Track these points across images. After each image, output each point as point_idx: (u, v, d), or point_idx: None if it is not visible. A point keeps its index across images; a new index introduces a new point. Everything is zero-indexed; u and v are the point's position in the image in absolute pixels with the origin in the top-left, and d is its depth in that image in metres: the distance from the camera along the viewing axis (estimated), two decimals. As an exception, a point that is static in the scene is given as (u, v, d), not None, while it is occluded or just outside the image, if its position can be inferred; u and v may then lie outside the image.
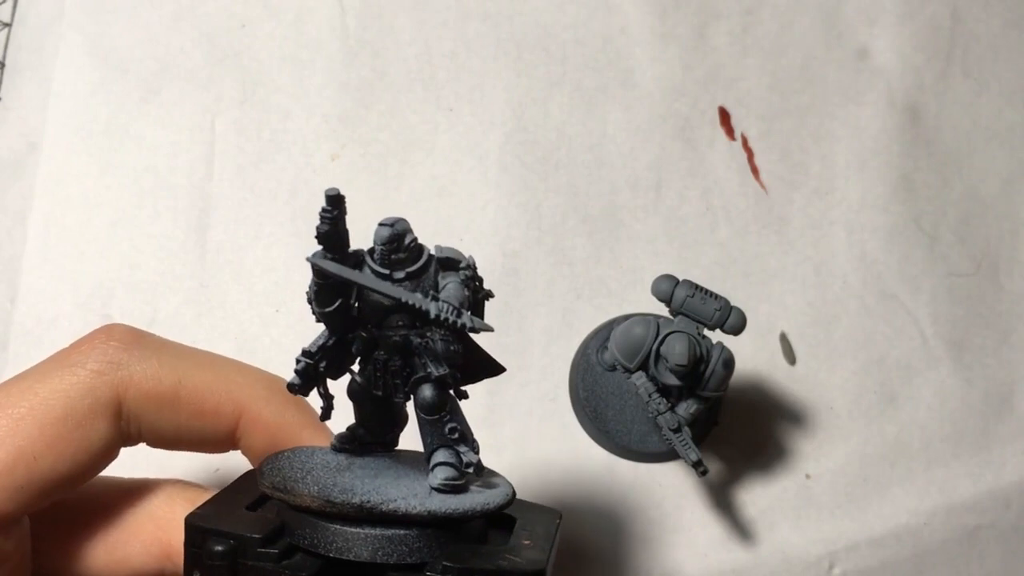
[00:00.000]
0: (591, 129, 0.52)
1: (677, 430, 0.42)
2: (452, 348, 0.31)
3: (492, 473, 0.33)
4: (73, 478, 0.31)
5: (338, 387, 0.33)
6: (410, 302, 0.29)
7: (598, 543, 0.47)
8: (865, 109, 0.54)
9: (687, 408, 0.43)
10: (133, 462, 0.35)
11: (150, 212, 0.49)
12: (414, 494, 0.29)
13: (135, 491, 0.34)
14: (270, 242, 0.49)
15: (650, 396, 0.42)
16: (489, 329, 0.30)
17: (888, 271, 0.52)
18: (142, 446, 0.34)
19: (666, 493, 0.48)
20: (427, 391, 0.30)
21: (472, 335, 0.31)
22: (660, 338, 0.42)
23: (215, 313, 0.48)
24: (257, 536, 0.28)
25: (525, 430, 0.48)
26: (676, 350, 0.41)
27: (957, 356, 0.52)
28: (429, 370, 0.30)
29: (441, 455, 0.31)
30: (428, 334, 0.31)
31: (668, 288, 0.42)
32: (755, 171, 0.53)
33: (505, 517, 0.32)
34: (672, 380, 0.42)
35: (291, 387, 0.31)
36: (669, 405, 0.42)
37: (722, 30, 0.54)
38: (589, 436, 0.48)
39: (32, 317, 0.48)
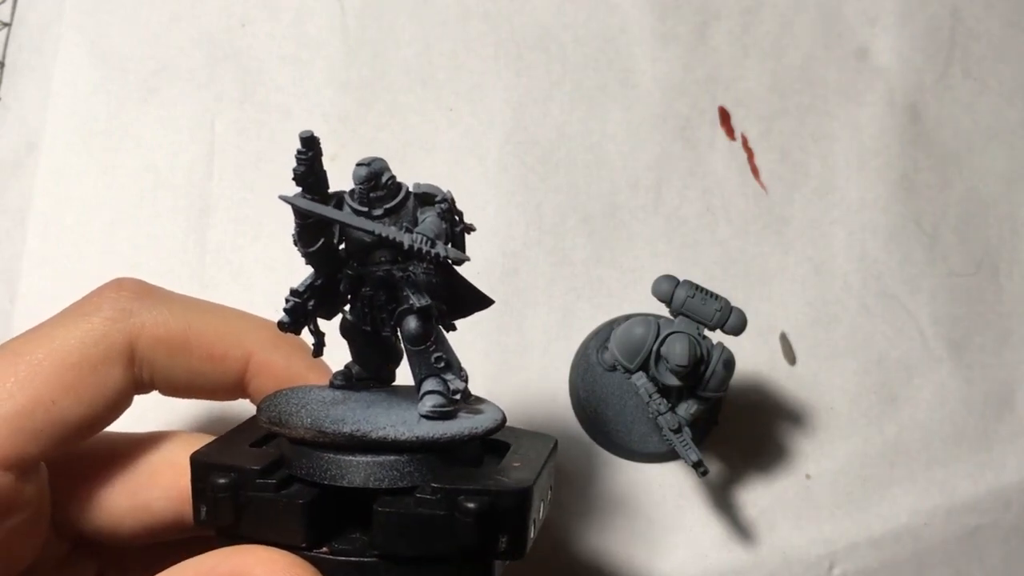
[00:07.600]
0: (591, 129, 0.52)
1: (677, 431, 0.42)
2: (434, 280, 0.32)
3: (485, 401, 0.34)
4: (90, 423, 0.32)
5: (333, 328, 0.34)
6: (384, 234, 0.30)
7: (598, 543, 0.47)
8: (865, 109, 0.54)
9: (687, 408, 0.43)
10: (143, 426, 0.35)
11: (150, 212, 0.49)
12: (403, 421, 0.30)
13: (151, 440, 0.35)
14: (270, 242, 0.49)
15: (650, 396, 0.42)
16: (465, 259, 0.31)
17: (888, 271, 0.52)
18: (153, 406, 0.34)
19: (666, 493, 0.48)
20: (412, 322, 0.31)
21: (457, 268, 0.32)
22: (660, 338, 0.42)
23: (215, 313, 0.48)
24: (256, 468, 0.29)
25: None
26: (676, 351, 0.41)
27: (957, 356, 0.52)
28: (412, 302, 0.31)
29: (429, 384, 0.31)
30: (410, 268, 0.32)
31: (668, 289, 0.42)
32: (755, 171, 0.53)
33: (501, 444, 0.33)
34: (672, 381, 0.42)
35: (281, 325, 0.32)
36: (669, 405, 0.42)
37: (722, 30, 0.54)
38: (589, 436, 0.48)
39: (32, 317, 0.47)
